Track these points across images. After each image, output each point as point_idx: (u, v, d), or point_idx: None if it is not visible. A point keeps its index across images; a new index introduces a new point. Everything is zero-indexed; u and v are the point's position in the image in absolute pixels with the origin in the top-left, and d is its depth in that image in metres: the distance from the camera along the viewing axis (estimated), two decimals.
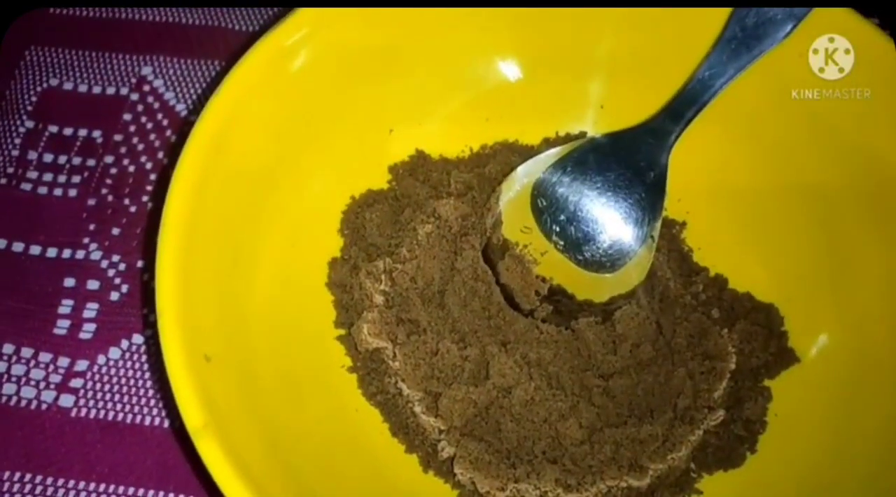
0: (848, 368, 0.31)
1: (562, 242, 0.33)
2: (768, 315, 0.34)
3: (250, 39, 0.33)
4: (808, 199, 0.34)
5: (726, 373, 0.33)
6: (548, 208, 0.33)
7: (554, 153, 0.34)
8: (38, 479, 0.33)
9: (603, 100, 0.38)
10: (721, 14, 0.33)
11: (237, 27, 0.45)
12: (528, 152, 0.38)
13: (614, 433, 0.30)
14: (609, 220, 0.33)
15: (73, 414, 0.35)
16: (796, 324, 0.33)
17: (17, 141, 0.42)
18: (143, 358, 0.36)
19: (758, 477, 0.30)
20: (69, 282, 0.38)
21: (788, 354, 0.33)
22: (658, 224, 0.33)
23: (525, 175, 0.34)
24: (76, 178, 0.41)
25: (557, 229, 0.33)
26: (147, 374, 0.36)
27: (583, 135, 0.38)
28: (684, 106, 0.33)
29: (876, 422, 0.29)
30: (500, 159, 0.37)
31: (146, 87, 0.44)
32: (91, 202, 0.40)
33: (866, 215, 0.32)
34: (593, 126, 0.38)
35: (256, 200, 0.32)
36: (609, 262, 0.33)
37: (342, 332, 0.34)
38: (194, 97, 0.43)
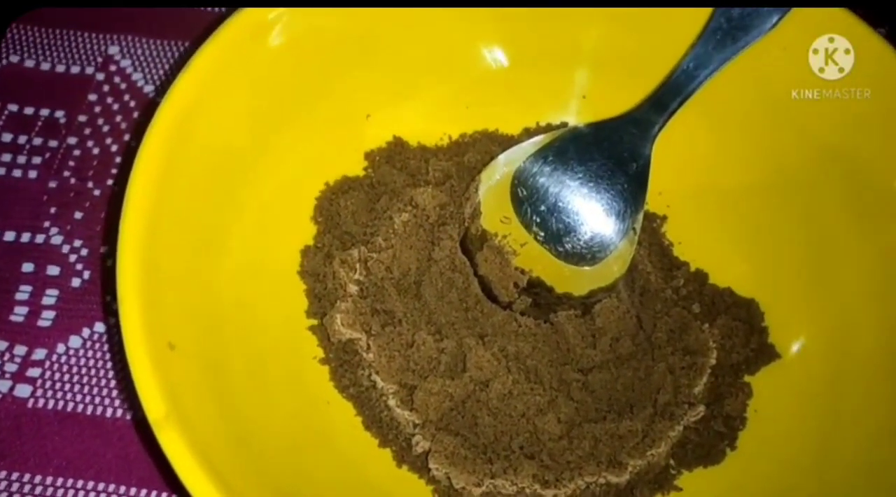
0: (829, 365, 0.31)
1: (542, 234, 0.32)
2: (749, 310, 0.33)
3: (222, 18, 0.32)
4: (792, 197, 0.34)
5: (707, 368, 0.32)
6: (528, 198, 0.33)
7: (535, 142, 0.33)
8: None
9: (585, 90, 0.37)
10: (706, 8, 0.32)
11: (210, 8, 0.44)
12: (508, 142, 0.37)
13: (593, 428, 0.30)
14: (590, 211, 0.32)
15: (30, 404, 0.33)
16: (777, 320, 0.33)
17: None
18: (105, 347, 0.35)
19: (738, 474, 0.30)
20: (27, 267, 0.36)
21: (769, 350, 0.33)
22: (640, 216, 0.32)
23: (505, 164, 0.33)
24: (37, 160, 0.39)
25: (538, 220, 0.32)
26: (109, 364, 0.34)
27: (564, 125, 0.38)
28: (669, 96, 0.32)
29: (857, 418, 0.29)
30: (480, 148, 0.36)
31: (113, 67, 0.42)
32: (52, 184, 0.38)
33: (849, 214, 0.32)
34: (575, 116, 0.37)
35: (225, 184, 0.31)
36: (590, 254, 0.32)
37: (314, 322, 0.33)
38: (164, 78, 0.42)
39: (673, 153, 0.33)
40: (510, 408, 0.30)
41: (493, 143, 0.37)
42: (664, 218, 0.37)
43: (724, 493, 0.30)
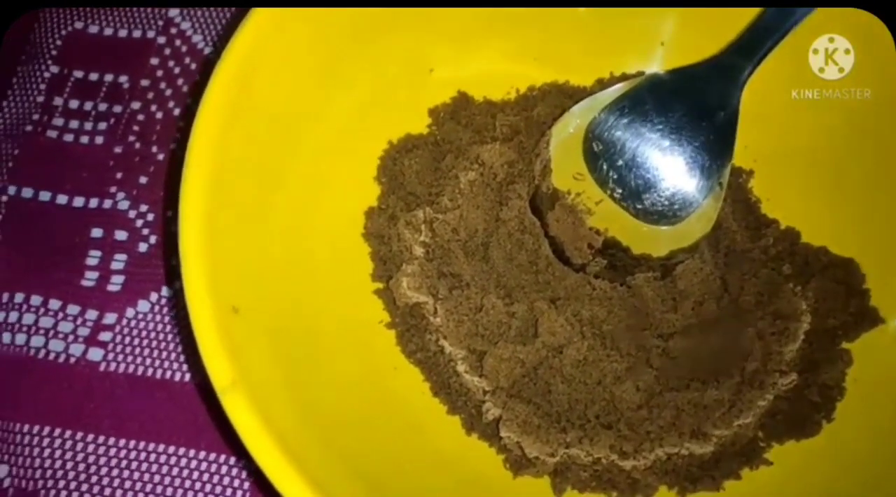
0: None
1: (619, 191, 0.30)
2: (847, 271, 0.30)
3: None
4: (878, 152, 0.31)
5: (800, 334, 0.30)
6: (603, 153, 0.31)
7: (610, 92, 0.31)
8: (68, 434, 0.32)
9: (664, 36, 0.34)
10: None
11: None
12: (580, 94, 0.35)
13: (675, 397, 0.28)
14: (671, 165, 0.30)
15: (102, 368, 0.34)
16: (879, 281, 0.30)
17: (42, 87, 0.40)
18: (173, 311, 0.35)
19: (834, 448, 0.28)
20: (96, 232, 0.36)
21: (870, 314, 0.30)
22: (727, 171, 0.30)
23: (578, 117, 0.31)
24: (102, 125, 0.39)
25: (614, 176, 0.30)
26: (177, 329, 0.34)
27: (641, 75, 0.35)
28: (759, 38, 0.29)
29: None
30: (550, 102, 0.34)
31: (173, 30, 0.42)
32: (118, 150, 0.38)
33: None
34: (654, 65, 0.35)
35: (286, 145, 0.30)
36: (670, 212, 0.30)
37: (380, 285, 0.32)
38: (224, 40, 0.41)
39: (760, 103, 0.31)
40: (585, 375, 0.28)
41: (563, 96, 0.35)
42: (751, 173, 0.34)
43: (820, 468, 0.28)
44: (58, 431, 0.32)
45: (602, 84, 0.35)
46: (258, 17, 0.29)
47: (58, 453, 0.32)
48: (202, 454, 0.32)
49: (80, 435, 0.32)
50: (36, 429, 0.32)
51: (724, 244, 0.32)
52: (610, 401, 0.28)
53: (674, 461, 0.28)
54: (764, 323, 0.30)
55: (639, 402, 0.28)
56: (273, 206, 0.29)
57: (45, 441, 0.32)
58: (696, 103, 0.30)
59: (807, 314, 0.30)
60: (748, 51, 0.29)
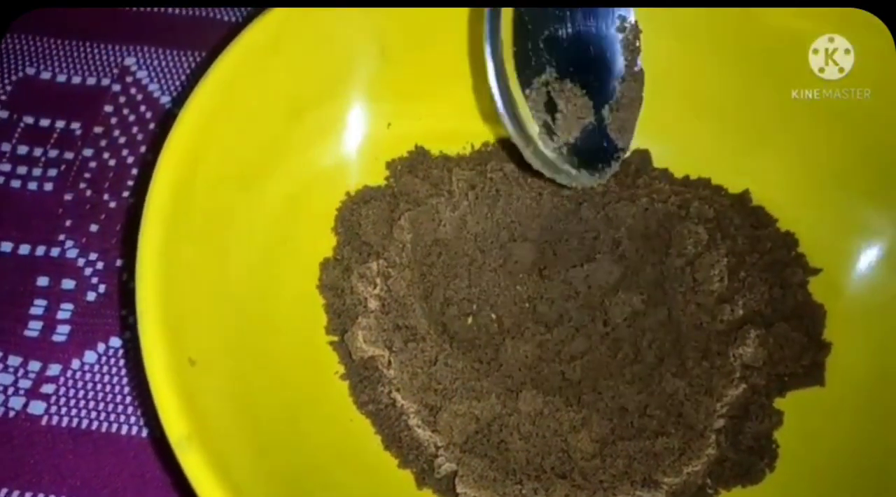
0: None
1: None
2: (813, 320, 0.32)
3: (237, 29, 0.31)
4: None
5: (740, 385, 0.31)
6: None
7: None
8: (3, 491, 0.31)
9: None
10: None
11: (224, 17, 0.44)
12: None
13: (627, 446, 0.29)
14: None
15: (44, 422, 0.32)
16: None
17: None
18: (122, 362, 0.34)
19: (781, 494, 0.29)
20: (42, 281, 0.36)
21: (818, 372, 0.31)
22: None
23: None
24: (52, 172, 0.39)
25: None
26: (125, 380, 0.33)
27: None
28: None
29: None
30: (503, 157, 0.35)
31: (129, 78, 0.42)
32: (68, 197, 0.38)
33: None
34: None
35: (244, 195, 0.30)
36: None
37: (335, 338, 0.32)
38: (180, 89, 0.41)
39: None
40: (542, 428, 0.29)
41: (516, 152, 0.36)
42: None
43: None
44: None
45: None
46: (221, 70, 0.30)
47: None
48: None
49: (16, 493, 0.31)
50: None
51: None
52: (565, 451, 0.29)
53: None
54: (700, 376, 0.31)
55: (593, 452, 0.28)
56: (231, 258, 0.29)
57: None
58: None
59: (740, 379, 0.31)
60: None
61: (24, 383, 0.33)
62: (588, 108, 0.29)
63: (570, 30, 0.30)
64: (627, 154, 0.32)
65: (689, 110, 0.35)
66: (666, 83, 0.35)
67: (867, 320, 0.31)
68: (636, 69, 0.30)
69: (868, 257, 0.32)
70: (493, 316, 0.33)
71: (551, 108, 0.29)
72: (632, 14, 0.30)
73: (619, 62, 0.30)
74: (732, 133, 0.35)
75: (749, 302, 0.32)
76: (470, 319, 0.33)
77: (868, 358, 0.31)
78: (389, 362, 0.31)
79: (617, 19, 0.29)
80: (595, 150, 0.30)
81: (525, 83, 0.30)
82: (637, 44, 0.30)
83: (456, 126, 0.36)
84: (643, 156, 0.36)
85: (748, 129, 0.35)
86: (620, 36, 0.30)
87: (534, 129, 0.30)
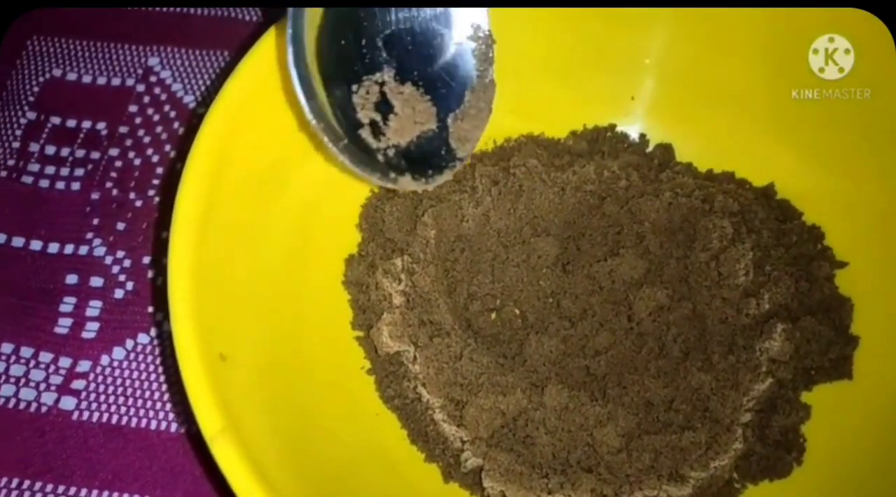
0: None
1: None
2: (841, 314, 0.31)
3: (260, 28, 0.31)
4: None
5: (764, 384, 0.31)
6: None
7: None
8: (38, 485, 0.32)
9: (634, 90, 0.36)
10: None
11: (246, 17, 0.44)
12: (554, 146, 0.37)
13: (654, 440, 0.29)
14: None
15: (75, 417, 0.33)
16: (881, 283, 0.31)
17: (18, 133, 0.40)
18: (149, 358, 0.34)
19: (807, 488, 0.28)
20: (71, 278, 0.36)
21: (847, 366, 0.31)
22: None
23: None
24: (79, 171, 0.39)
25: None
26: (153, 376, 0.34)
27: (612, 127, 0.37)
28: None
29: None
30: (525, 152, 0.35)
31: (153, 78, 0.42)
32: (95, 196, 0.38)
33: None
34: (624, 118, 0.36)
35: (272, 192, 0.31)
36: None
37: (360, 333, 0.32)
38: (203, 89, 0.42)
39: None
40: (567, 422, 0.29)
41: (539, 147, 0.36)
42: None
43: None
44: (27, 483, 0.32)
45: (575, 136, 0.37)
46: (247, 68, 0.30)
47: None
48: None
49: (50, 486, 0.32)
50: (4, 481, 0.32)
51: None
52: (591, 445, 0.29)
53: None
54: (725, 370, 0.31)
55: (619, 446, 0.28)
56: (258, 255, 0.29)
57: (14, 493, 0.31)
58: None
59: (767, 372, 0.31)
60: None
61: (56, 379, 0.34)
62: (430, 113, 0.28)
63: (417, 32, 0.28)
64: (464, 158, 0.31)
65: (713, 104, 0.35)
66: (688, 77, 0.35)
67: (895, 313, 0.31)
68: (487, 80, 0.29)
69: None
70: (517, 311, 0.33)
71: (386, 108, 0.28)
72: (486, 23, 0.28)
73: (471, 71, 0.29)
74: (756, 126, 0.35)
75: (775, 296, 0.32)
76: (494, 315, 0.33)
77: None
78: (415, 357, 0.31)
79: (471, 28, 0.28)
80: (430, 156, 0.29)
81: (353, 79, 0.28)
82: (490, 54, 0.29)
83: None
84: (667, 150, 0.36)
85: (772, 123, 0.35)
86: (473, 45, 0.29)
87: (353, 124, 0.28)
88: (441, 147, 0.29)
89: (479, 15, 0.28)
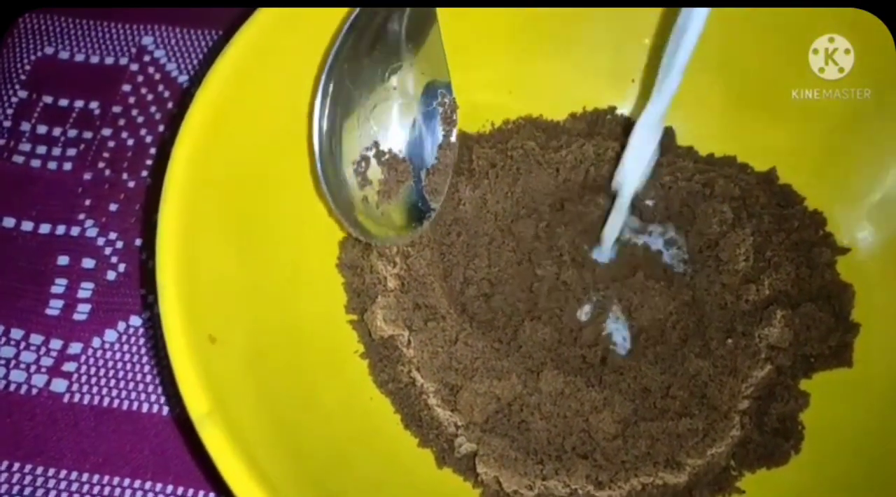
0: None
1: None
2: (841, 300, 0.31)
3: (253, 6, 0.31)
4: None
5: (762, 371, 0.31)
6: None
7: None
8: (28, 468, 0.31)
9: (634, 73, 0.35)
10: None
11: None
12: (553, 128, 0.36)
13: (650, 427, 0.28)
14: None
15: (66, 400, 0.33)
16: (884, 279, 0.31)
17: (10, 111, 0.40)
18: (142, 341, 0.34)
19: (805, 476, 0.28)
20: (63, 260, 0.36)
21: (846, 354, 0.30)
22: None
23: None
24: (71, 151, 0.39)
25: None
26: (145, 358, 0.34)
27: (612, 109, 0.36)
28: None
29: None
30: (524, 135, 0.35)
31: (147, 58, 0.42)
32: (87, 176, 0.38)
33: None
34: (624, 100, 0.36)
35: (264, 173, 0.30)
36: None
37: (354, 317, 0.32)
38: (197, 68, 0.41)
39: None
40: (563, 407, 0.29)
41: (537, 130, 0.35)
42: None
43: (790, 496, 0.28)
44: (17, 465, 0.31)
45: (574, 118, 0.36)
46: (237, 47, 0.29)
47: (16, 489, 0.31)
48: (169, 488, 0.31)
49: (41, 469, 0.31)
50: None
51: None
52: (586, 431, 0.28)
53: (648, 491, 0.28)
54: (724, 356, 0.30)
55: (615, 432, 0.28)
56: (250, 236, 0.29)
57: (4, 476, 0.31)
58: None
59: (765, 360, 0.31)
60: None
61: (46, 361, 0.33)
62: (408, 172, 0.30)
63: (398, 103, 0.30)
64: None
65: (714, 87, 0.34)
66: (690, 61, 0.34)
67: None
68: (452, 139, 0.31)
69: None
70: (509, 299, 0.32)
71: (374, 174, 0.30)
72: (451, 91, 0.31)
73: (439, 132, 0.31)
74: (757, 111, 0.34)
75: (775, 282, 0.31)
76: (489, 300, 0.32)
77: None
78: (409, 341, 0.31)
79: (439, 95, 0.31)
80: (410, 209, 0.31)
81: (352, 153, 0.30)
82: (454, 117, 0.31)
83: (475, 102, 0.35)
84: (667, 133, 0.35)
85: (773, 107, 0.34)
86: (441, 110, 0.31)
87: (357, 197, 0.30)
88: (418, 200, 0.31)
89: (446, 84, 0.31)
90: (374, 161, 0.30)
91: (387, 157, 0.30)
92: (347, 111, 0.29)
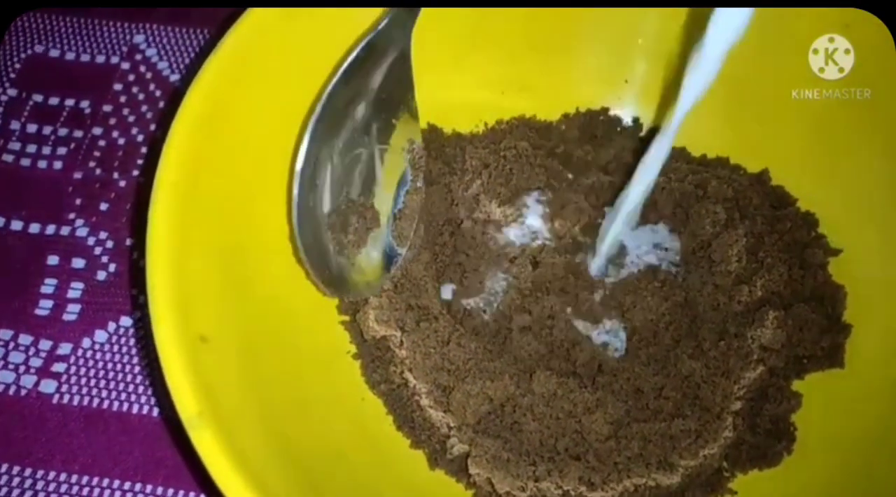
0: None
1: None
2: (833, 302, 0.31)
3: (244, 5, 0.31)
4: None
5: (755, 371, 0.31)
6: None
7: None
8: (16, 469, 0.31)
9: (627, 73, 0.35)
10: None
11: None
12: (545, 128, 0.36)
13: (643, 428, 0.28)
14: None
15: (55, 400, 0.32)
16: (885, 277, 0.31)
17: None
18: (132, 341, 0.34)
19: (798, 477, 0.28)
20: (53, 259, 0.35)
21: (839, 354, 0.30)
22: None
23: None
24: (62, 150, 0.38)
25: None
26: (136, 359, 0.33)
27: (605, 111, 0.36)
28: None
29: None
30: (517, 135, 0.35)
31: (138, 56, 0.41)
32: (77, 176, 0.38)
33: None
34: (617, 101, 0.36)
35: (256, 173, 0.30)
36: None
37: (346, 317, 0.32)
38: (189, 67, 0.41)
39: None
40: (555, 409, 0.29)
41: (530, 130, 0.35)
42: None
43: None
44: (5, 467, 0.31)
45: (568, 119, 0.36)
46: (229, 45, 0.29)
47: (4, 491, 0.31)
48: (159, 490, 0.31)
49: (29, 471, 0.31)
50: None
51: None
52: (579, 432, 0.28)
53: (640, 492, 0.28)
54: (716, 358, 0.30)
55: (607, 434, 0.28)
56: (242, 235, 0.29)
57: None
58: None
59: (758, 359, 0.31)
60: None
61: (35, 362, 0.33)
62: (376, 218, 0.30)
63: (369, 152, 0.30)
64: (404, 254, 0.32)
65: (710, 88, 0.34)
66: (683, 62, 0.34)
67: (888, 302, 0.31)
68: (419, 184, 0.32)
69: (890, 238, 0.32)
70: (497, 303, 0.32)
71: (344, 224, 0.30)
72: (418, 138, 0.31)
73: (407, 177, 0.32)
74: (754, 112, 0.34)
75: (768, 283, 0.31)
76: (479, 303, 0.32)
77: (889, 340, 0.30)
78: (401, 342, 0.31)
79: (406, 142, 0.31)
80: (380, 256, 0.31)
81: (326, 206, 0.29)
82: (421, 162, 0.32)
83: (468, 101, 0.35)
84: None
85: (771, 107, 0.34)
86: (409, 156, 0.31)
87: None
88: (385, 246, 0.31)
89: (414, 131, 0.31)
90: (345, 211, 0.29)
91: (359, 203, 0.30)
92: (323, 168, 0.28)
